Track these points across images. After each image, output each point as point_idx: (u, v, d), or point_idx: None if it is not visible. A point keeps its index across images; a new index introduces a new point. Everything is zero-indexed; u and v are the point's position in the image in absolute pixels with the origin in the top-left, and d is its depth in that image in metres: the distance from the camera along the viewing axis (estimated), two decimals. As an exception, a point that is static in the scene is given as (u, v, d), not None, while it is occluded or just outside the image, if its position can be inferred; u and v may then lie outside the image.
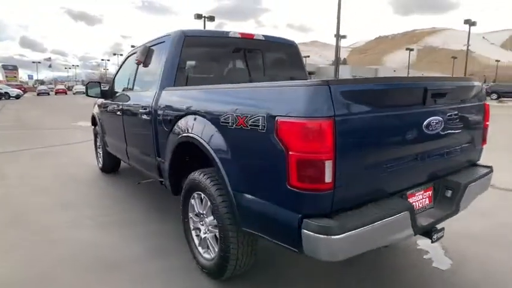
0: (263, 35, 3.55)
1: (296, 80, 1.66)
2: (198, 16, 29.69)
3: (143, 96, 3.34)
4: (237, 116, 1.97)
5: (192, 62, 3.28)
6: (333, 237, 1.57)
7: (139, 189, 4.59)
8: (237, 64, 3.59)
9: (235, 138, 2.01)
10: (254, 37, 3.48)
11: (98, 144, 5.56)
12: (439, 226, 2.13)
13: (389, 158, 1.85)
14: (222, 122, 2.09)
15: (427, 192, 2.23)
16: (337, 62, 20.86)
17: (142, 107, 3.24)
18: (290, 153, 1.63)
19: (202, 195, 2.44)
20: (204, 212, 2.47)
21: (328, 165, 1.57)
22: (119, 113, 3.98)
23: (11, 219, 3.58)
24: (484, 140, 2.57)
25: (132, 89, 3.80)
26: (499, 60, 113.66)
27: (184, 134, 2.53)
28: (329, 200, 1.64)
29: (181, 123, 2.62)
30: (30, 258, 2.80)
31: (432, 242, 2.10)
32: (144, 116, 3.22)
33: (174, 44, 3.06)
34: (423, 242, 2.94)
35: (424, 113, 1.95)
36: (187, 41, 3.08)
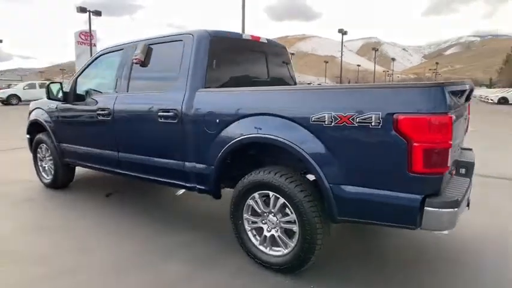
0: (266, 38, 3.70)
1: (407, 82, 1.97)
2: (82, 10, 26.67)
3: (159, 99, 3.14)
4: (337, 114, 2.14)
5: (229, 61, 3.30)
6: (455, 209, 1.93)
7: (111, 203, 4.16)
8: (253, 64, 3.64)
9: (335, 135, 2.18)
10: (260, 40, 3.61)
11: (41, 155, 4.75)
12: (466, 196, 2.70)
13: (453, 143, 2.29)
14: (314, 121, 2.23)
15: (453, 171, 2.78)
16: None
17: (162, 109, 3.04)
18: (414, 144, 1.91)
19: (271, 193, 2.50)
20: (273, 210, 2.53)
21: (451, 152, 1.92)
22: (103, 117, 3.58)
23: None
24: (466, 128, 3.28)
25: (126, 91, 3.47)
26: (359, 65, 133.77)
27: (249, 135, 2.54)
28: (445, 180, 1.99)
29: (238, 125, 2.61)
30: None
31: (468, 209, 2.66)
32: (163, 120, 3.03)
33: (200, 44, 2.97)
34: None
35: (463, 107, 2.48)
36: (213, 42, 3.03)
